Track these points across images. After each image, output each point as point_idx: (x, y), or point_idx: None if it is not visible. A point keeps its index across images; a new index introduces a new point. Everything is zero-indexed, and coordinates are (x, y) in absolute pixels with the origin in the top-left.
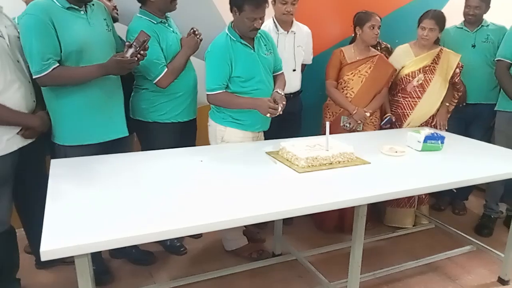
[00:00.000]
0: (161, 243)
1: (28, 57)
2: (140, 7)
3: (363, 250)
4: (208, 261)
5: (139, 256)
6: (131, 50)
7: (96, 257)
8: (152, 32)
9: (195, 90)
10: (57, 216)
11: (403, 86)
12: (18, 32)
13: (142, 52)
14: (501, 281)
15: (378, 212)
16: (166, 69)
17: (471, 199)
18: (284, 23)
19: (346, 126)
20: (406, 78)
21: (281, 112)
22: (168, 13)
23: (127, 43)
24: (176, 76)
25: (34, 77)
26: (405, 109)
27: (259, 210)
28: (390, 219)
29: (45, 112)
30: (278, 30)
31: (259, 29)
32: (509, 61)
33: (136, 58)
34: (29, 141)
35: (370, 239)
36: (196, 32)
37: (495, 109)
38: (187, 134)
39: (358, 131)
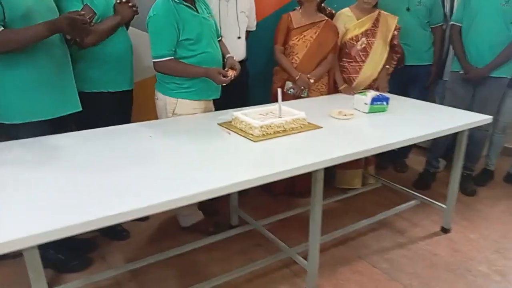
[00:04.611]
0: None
1: None
2: None
3: None
4: (164, 239)
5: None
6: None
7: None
8: None
9: (129, 58)
10: None
11: (347, 51)
12: None
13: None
14: (444, 230)
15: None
16: None
17: (410, 157)
18: None
19: (290, 91)
20: (350, 43)
21: (233, 76)
22: None
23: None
24: (99, 38)
25: None
26: (350, 74)
27: (215, 184)
28: (340, 181)
29: None
30: None
31: None
32: (459, 25)
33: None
34: None
35: (323, 201)
36: (131, 3)
37: (450, 70)
38: (120, 106)
39: (302, 97)
